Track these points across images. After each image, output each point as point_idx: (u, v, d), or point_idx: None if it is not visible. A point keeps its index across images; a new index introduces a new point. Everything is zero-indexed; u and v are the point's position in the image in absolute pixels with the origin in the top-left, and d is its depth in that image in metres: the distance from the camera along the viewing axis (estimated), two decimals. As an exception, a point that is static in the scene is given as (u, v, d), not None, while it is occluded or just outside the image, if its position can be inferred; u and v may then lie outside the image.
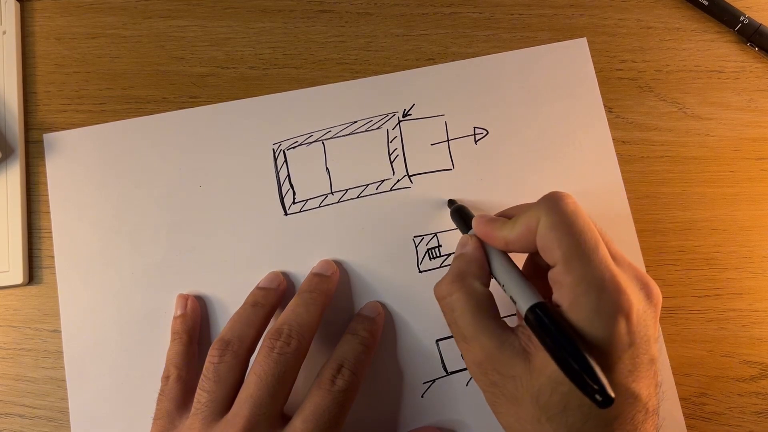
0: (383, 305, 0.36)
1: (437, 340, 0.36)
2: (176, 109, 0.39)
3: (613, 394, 0.23)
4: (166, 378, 0.34)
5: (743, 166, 0.39)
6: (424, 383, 0.36)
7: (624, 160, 0.38)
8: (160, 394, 0.33)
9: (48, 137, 0.39)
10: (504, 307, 0.31)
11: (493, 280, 0.31)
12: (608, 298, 0.25)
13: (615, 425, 0.25)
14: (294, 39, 0.40)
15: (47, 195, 0.38)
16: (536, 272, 0.31)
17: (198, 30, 0.41)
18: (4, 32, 0.40)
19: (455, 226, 0.37)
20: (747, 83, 0.40)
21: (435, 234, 0.37)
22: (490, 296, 0.29)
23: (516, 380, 0.27)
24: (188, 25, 0.41)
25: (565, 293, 0.26)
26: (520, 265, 0.31)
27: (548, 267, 0.28)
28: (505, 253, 0.30)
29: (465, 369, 0.36)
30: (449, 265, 0.37)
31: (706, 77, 0.40)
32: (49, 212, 0.38)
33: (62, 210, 0.38)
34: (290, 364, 0.31)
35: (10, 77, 0.39)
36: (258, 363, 0.31)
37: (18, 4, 0.41)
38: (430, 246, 0.37)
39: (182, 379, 0.33)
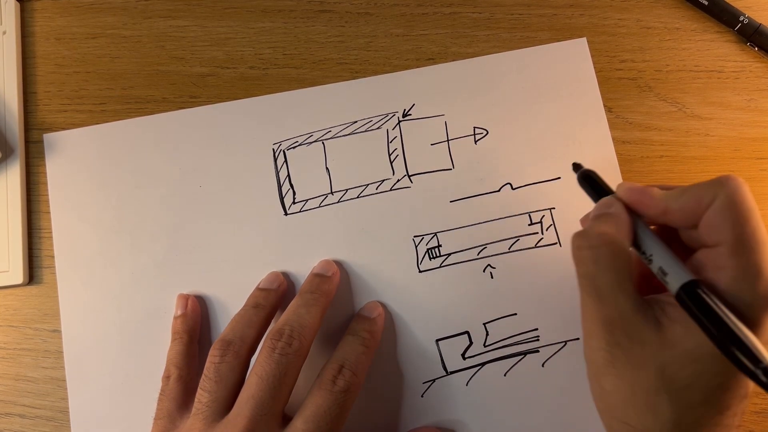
0: (383, 305, 0.36)
1: (437, 340, 0.36)
2: (176, 109, 0.39)
3: None
4: (166, 378, 0.34)
5: (743, 166, 0.39)
6: (424, 383, 0.36)
7: (624, 160, 0.38)
8: (160, 394, 0.33)
9: (48, 137, 0.39)
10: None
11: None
12: (763, 288, 0.25)
13: (727, 414, 0.26)
14: (294, 39, 0.40)
15: (47, 195, 0.38)
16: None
17: (198, 30, 0.41)
18: (4, 32, 0.40)
19: (457, 225, 0.37)
20: (747, 83, 0.40)
21: (435, 234, 0.37)
22: (633, 261, 0.29)
23: (644, 346, 0.26)
24: (188, 25, 0.41)
25: (725, 275, 0.26)
26: None
27: (682, 244, 0.28)
28: (648, 225, 0.30)
29: (465, 369, 0.36)
30: (449, 264, 0.37)
31: (705, 77, 0.40)
32: (49, 212, 0.38)
33: (62, 210, 0.38)
34: (291, 365, 0.31)
35: (10, 77, 0.39)
36: (259, 363, 0.31)
37: (18, 4, 0.41)
38: (430, 246, 0.37)
39: (183, 379, 0.33)
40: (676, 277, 0.27)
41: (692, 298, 0.25)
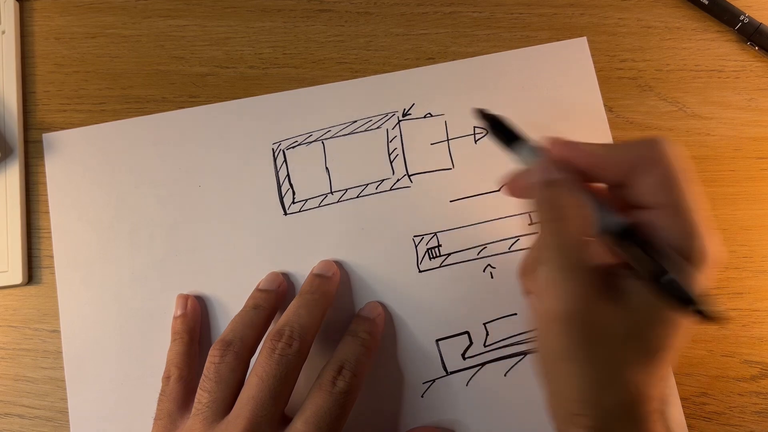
0: (383, 305, 0.36)
1: (437, 340, 0.36)
2: (176, 109, 0.39)
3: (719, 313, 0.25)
4: (167, 378, 0.34)
5: (743, 166, 0.39)
6: (424, 383, 0.36)
7: (624, 160, 0.38)
8: (161, 395, 0.33)
9: (47, 137, 0.39)
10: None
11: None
12: (702, 247, 0.27)
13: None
14: (294, 38, 0.40)
15: (47, 195, 0.38)
16: None
17: (198, 30, 0.41)
18: (4, 32, 0.40)
19: (457, 225, 0.37)
20: (747, 82, 0.40)
21: (435, 234, 0.37)
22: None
23: (607, 321, 0.26)
24: (188, 24, 0.41)
25: (669, 235, 0.27)
26: None
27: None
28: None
29: (465, 369, 0.36)
30: (449, 264, 0.37)
31: (706, 76, 0.40)
32: (48, 212, 0.38)
33: (62, 210, 0.38)
34: (292, 366, 0.31)
35: (10, 77, 0.39)
36: (259, 364, 0.31)
37: (17, 4, 0.41)
38: (430, 246, 0.37)
39: (183, 380, 0.33)
40: (614, 222, 0.28)
41: (625, 238, 0.27)
